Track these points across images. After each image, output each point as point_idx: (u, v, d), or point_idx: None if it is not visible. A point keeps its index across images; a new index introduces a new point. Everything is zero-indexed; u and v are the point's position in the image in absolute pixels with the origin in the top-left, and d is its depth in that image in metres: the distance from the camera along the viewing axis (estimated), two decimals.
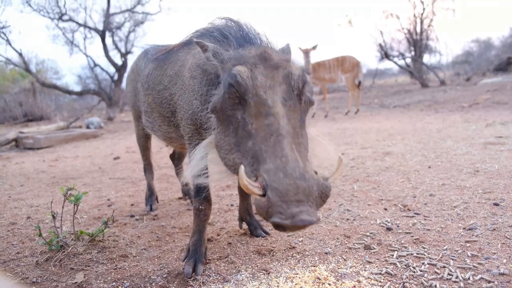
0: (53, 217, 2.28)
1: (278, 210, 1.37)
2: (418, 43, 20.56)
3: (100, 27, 19.57)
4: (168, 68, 2.37)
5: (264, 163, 1.48)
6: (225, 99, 1.67)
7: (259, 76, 1.66)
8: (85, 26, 19.54)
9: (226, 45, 1.95)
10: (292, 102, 1.68)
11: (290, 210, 1.36)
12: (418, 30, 20.56)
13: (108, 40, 20.13)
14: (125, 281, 1.91)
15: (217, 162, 1.83)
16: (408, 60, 21.59)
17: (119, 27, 20.35)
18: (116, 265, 2.12)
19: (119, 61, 20.45)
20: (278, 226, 1.40)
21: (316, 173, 1.56)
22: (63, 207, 2.47)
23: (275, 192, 1.39)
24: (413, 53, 20.99)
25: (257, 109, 1.61)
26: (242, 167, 1.45)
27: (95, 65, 21.06)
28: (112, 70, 20.74)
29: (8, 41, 17.08)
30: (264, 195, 1.42)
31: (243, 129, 1.62)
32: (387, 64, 39.08)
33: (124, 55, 20.51)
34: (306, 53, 10.99)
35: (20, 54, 17.50)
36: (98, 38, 19.95)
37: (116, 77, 20.43)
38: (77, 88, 23.12)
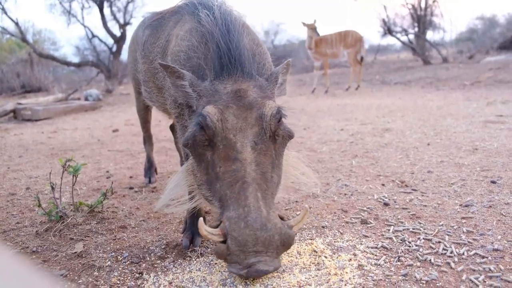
0: (52, 188, 2.29)
1: (236, 260, 1.44)
2: (422, 19, 20.10)
3: None
4: (160, 37, 2.31)
5: (228, 210, 1.51)
6: (195, 137, 1.63)
7: (230, 118, 1.59)
8: None
9: (204, 69, 1.81)
10: (263, 145, 1.62)
11: (247, 260, 1.42)
12: (423, 5, 20.09)
13: (106, 10, 19.56)
14: (124, 251, 1.94)
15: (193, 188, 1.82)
16: (411, 37, 21.21)
17: None
18: (115, 236, 2.15)
19: (117, 32, 19.98)
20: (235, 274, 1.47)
21: (282, 218, 1.57)
22: (62, 178, 2.47)
23: (234, 241, 1.44)
24: (416, 29, 20.58)
25: (226, 152, 1.57)
26: (201, 220, 1.50)
27: (93, 36, 20.62)
28: (110, 41, 20.33)
29: (3, 9, 16.66)
30: (224, 241, 1.47)
31: (212, 170, 1.61)
32: (389, 40, 38.41)
33: (122, 26, 20.02)
34: (312, 29, 10.92)
35: (17, 24, 17.06)
36: (96, 8, 19.38)
37: (114, 48, 20.06)
38: (75, 60, 22.75)
